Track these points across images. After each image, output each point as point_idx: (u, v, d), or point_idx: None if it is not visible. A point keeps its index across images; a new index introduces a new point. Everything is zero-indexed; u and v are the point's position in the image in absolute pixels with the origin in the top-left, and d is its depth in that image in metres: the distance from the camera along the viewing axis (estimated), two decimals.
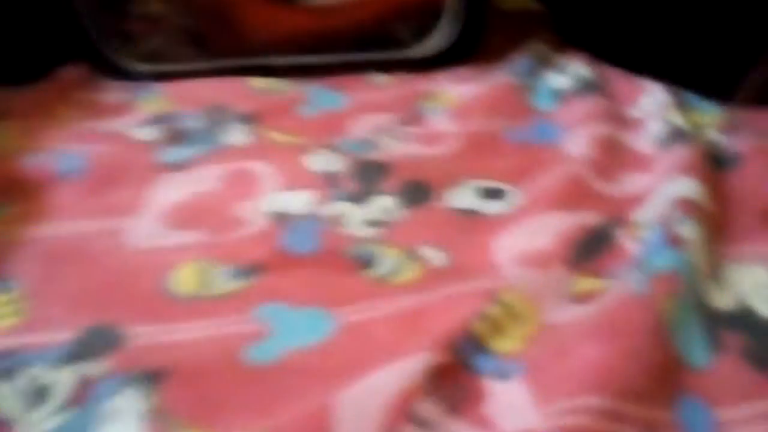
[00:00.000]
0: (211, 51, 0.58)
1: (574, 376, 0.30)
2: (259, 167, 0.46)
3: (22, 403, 0.29)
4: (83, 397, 0.29)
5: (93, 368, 0.30)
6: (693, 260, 0.35)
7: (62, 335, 0.32)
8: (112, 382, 0.29)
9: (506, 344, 0.32)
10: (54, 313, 0.34)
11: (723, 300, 0.35)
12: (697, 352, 0.32)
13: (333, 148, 0.48)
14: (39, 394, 0.29)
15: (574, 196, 0.43)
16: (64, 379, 0.30)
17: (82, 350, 0.31)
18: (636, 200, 0.43)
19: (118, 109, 0.54)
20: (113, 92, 0.56)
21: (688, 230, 0.37)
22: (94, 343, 0.31)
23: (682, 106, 0.51)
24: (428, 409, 0.29)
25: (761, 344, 0.32)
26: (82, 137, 0.49)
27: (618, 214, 0.41)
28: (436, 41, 0.58)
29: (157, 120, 0.52)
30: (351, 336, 0.33)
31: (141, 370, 0.30)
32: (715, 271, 0.37)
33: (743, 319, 0.34)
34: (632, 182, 0.45)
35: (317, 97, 0.55)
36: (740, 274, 0.36)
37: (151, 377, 0.29)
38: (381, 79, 0.58)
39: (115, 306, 0.34)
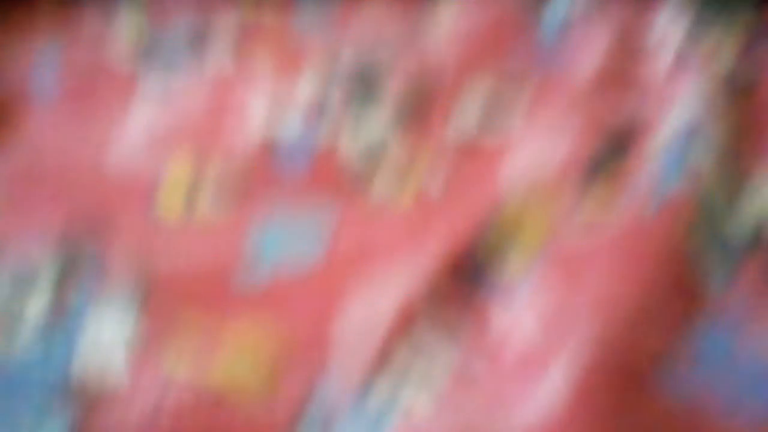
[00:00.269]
0: None
1: (584, 302, 0.28)
2: (247, 88, 0.43)
3: None
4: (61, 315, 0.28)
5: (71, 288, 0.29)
6: (707, 185, 0.34)
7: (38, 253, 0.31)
8: (93, 302, 0.28)
9: (511, 267, 0.31)
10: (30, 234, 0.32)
11: (740, 223, 0.33)
12: (714, 278, 0.31)
13: (326, 67, 0.45)
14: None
15: (582, 123, 0.41)
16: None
17: (62, 269, 0.30)
18: (647, 127, 0.40)
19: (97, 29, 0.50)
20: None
21: (701, 155, 0.35)
22: (74, 262, 0.30)
23: (698, 25, 0.48)
24: (427, 332, 0.28)
25: None
26: (57, 56, 0.46)
27: (629, 140, 0.39)
28: None
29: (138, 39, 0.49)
30: (346, 258, 0.31)
31: (125, 291, 0.29)
32: (731, 195, 0.35)
33: (762, 242, 0.32)
34: (642, 109, 0.43)
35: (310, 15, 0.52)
36: (759, 196, 0.35)
37: (137, 299, 0.28)
38: None
39: (97, 227, 0.32)
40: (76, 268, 0.30)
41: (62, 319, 0.28)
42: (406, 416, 0.26)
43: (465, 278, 0.29)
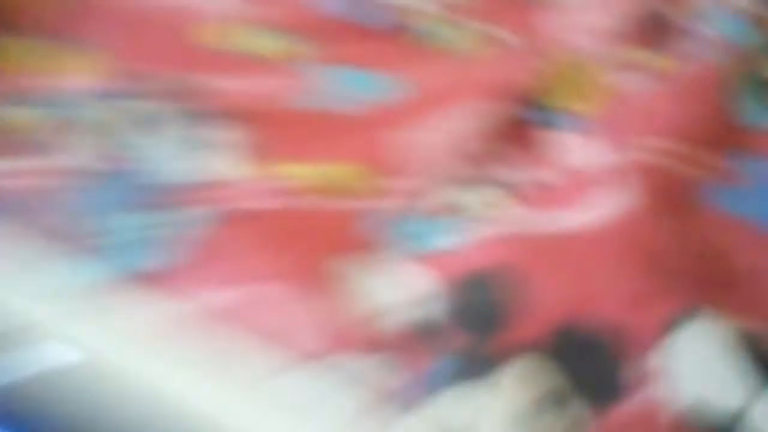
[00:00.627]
0: None
1: (642, 123, 0.31)
2: None
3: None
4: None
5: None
6: (751, 30, 0.36)
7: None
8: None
9: (570, 101, 0.34)
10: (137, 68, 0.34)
11: None
12: (755, 114, 0.33)
13: None
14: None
15: None
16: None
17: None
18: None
19: None
20: None
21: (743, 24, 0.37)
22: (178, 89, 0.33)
23: None
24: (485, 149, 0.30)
25: None
26: None
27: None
28: None
29: None
30: (408, 95, 0.33)
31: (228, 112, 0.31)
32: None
33: None
34: None
35: None
36: None
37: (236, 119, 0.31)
38: None
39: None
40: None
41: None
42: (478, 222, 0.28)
43: (525, 109, 0.32)
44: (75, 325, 0.24)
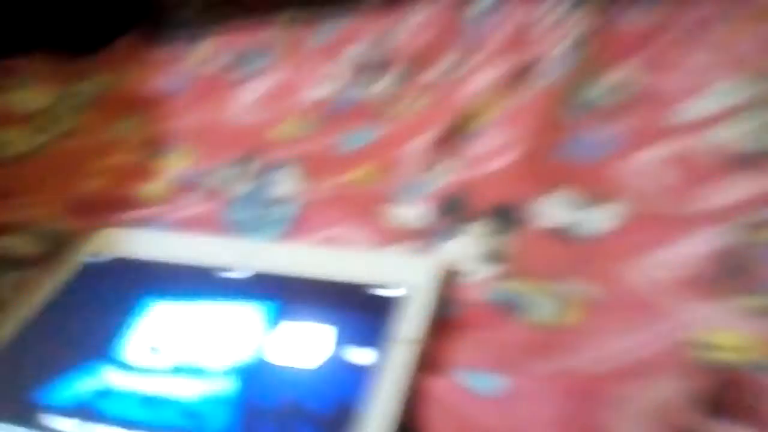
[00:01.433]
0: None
1: (523, 125, 0.51)
2: None
3: None
4: None
5: None
6: (574, 76, 0.57)
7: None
8: None
9: (480, 125, 0.54)
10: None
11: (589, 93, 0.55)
12: (574, 116, 0.54)
13: None
14: None
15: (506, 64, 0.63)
16: None
17: None
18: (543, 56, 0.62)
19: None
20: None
21: (572, 63, 0.58)
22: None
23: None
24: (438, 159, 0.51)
25: None
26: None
27: (534, 64, 0.61)
28: None
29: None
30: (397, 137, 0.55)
31: None
32: (586, 79, 0.57)
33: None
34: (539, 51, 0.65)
35: None
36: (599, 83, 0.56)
37: None
38: None
39: None
40: None
41: None
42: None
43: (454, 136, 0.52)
44: None
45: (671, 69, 0.54)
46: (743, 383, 0.31)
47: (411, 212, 0.45)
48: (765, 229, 0.37)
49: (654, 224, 0.40)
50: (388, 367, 0.32)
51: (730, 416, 0.30)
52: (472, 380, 0.33)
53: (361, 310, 0.36)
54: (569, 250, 0.40)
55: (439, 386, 0.33)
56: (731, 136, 0.45)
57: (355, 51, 0.70)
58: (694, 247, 0.37)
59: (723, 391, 0.30)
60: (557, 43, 0.62)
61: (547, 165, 0.47)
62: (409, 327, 0.34)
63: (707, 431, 0.29)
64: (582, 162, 0.47)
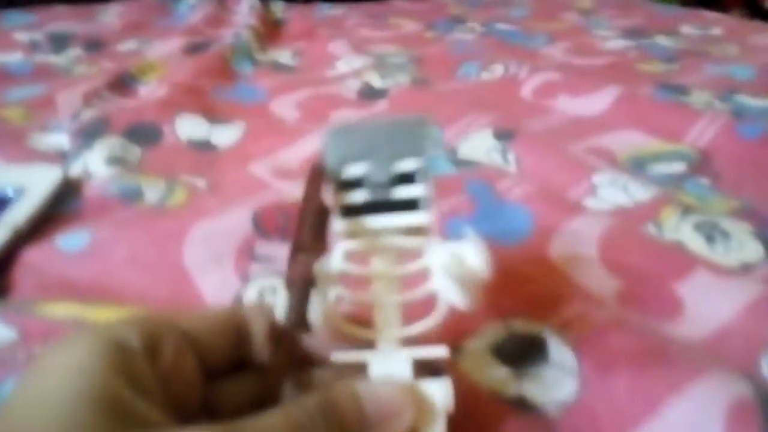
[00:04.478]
0: None
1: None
2: None
3: None
4: None
5: None
6: None
7: None
8: None
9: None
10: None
11: None
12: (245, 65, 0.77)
13: None
14: None
15: None
16: None
17: None
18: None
19: None
20: None
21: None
22: None
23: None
24: None
25: None
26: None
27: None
28: None
29: None
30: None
31: None
32: None
33: None
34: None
35: None
36: None
37: None
38: None
39: None
40: None
41: None
42: None
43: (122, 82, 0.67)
44: None
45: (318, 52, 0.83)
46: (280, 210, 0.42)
47: (57, 139, 0.55)
48: None
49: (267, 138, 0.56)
50: None
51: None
52: (62, 242, 0.40)
53: None
54: (195, 157, 0.53)
55: (33, 253, 0.39)
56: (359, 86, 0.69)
57: (56, 26, 0.90)
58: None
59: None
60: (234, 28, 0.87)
61: (207, 100, 0.63)
62: (15, 215, 0.41)
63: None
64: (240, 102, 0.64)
